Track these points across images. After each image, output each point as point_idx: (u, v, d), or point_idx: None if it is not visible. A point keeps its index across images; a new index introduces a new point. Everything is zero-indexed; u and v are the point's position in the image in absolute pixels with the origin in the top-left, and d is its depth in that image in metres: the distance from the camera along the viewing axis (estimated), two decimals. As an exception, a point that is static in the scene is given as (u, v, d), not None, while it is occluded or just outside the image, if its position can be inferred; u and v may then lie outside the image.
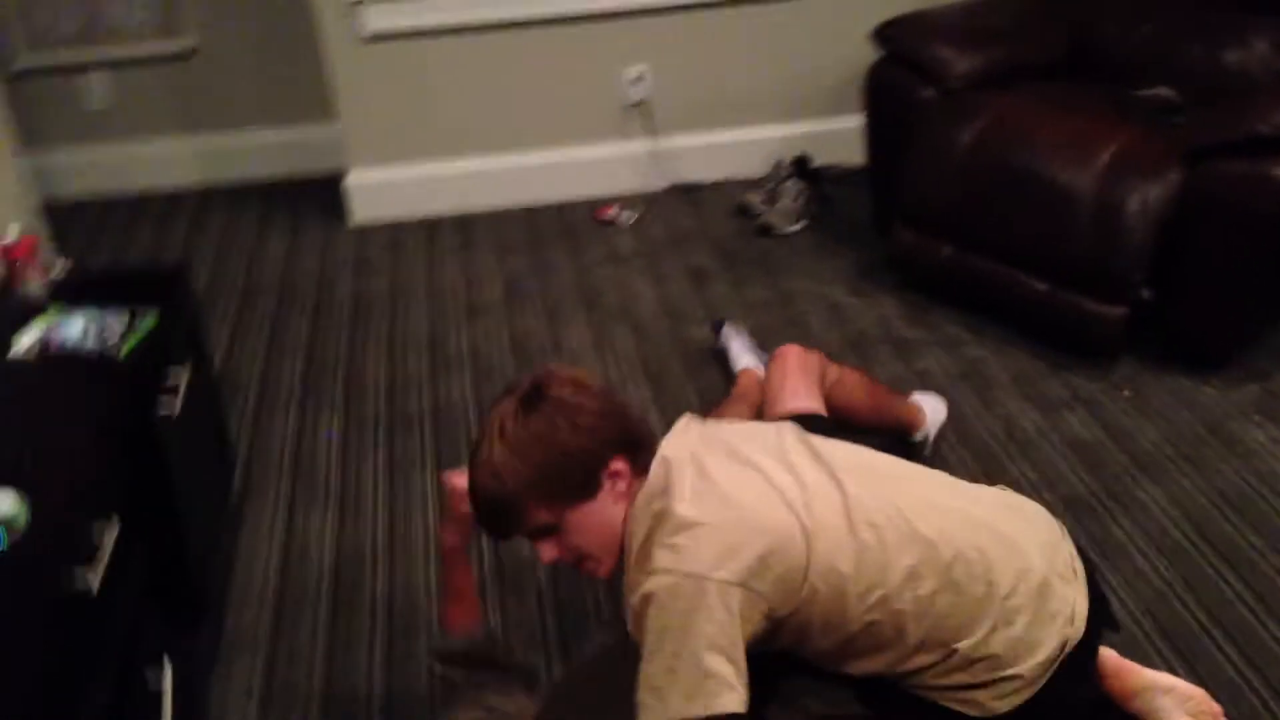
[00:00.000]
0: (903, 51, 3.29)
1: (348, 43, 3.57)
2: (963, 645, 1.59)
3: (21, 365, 2.02)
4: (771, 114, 3.95)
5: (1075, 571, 1.70)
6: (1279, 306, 2.99)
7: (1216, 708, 1.97)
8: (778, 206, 3.69)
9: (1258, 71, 3.05)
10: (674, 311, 3.28)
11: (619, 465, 1.63)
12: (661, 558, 1.52)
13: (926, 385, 2.83)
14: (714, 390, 2.88)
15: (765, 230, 3.67)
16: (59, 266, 2.33)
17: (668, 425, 1.75)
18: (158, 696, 1.78)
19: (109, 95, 3.96)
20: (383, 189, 3.82)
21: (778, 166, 3.79)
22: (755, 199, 3.76)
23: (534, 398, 1.62)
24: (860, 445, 1.78)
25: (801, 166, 3.78)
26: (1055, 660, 1.63)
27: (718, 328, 3.03)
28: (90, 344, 2.05)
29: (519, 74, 3.73)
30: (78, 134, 4.01)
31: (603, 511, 1.63)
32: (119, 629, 1.70)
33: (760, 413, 2.33)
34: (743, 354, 2.88)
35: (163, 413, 2.01)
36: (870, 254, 3.49)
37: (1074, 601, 1.66)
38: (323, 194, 3.91)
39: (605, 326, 3.23)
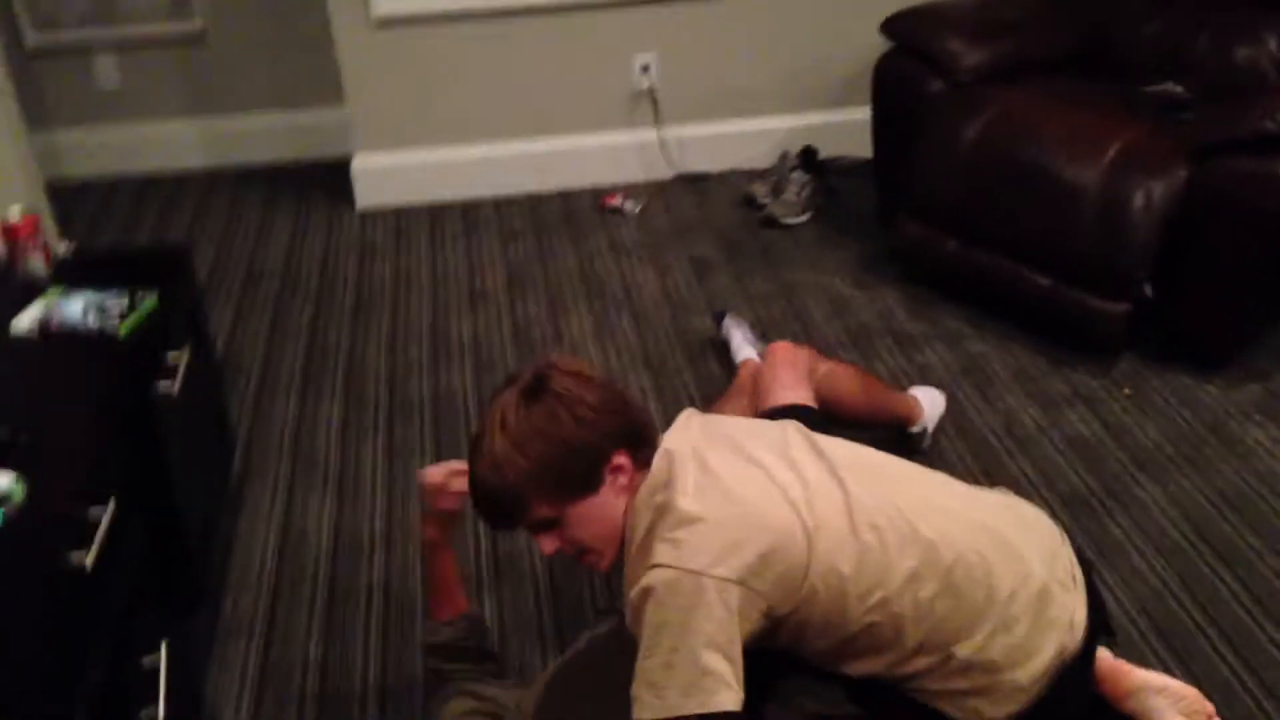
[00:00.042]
0: (912, 44, 3.28)
1: (357, 27, 3.56)
2: (961, 650, 1.58)
3: (21, 343, 2.03)
4: (779, 105, 3.94)
5: (1075, 579, 1.70)
6: (1282, 306, 2.98)
7: (1209, 708, 1.97)
8: (783, 198, 3.68)
9: (1267, 68, 3.04)
10: (676, 301, 3.28)
11: (621, 459, 1.62)
12: (662, 552, 1.51)
13: (927, 380, 2.84)
14: (714, 381, 2.88)
15: (770, 221, 3.66)
16: (62, 247, 2.33)
17: (667, 415, 1.75)
18: (154, 677, 1.79)
19: (117, 76, 3.96)
20: (389, 175, 3.82)
21: (783, 158, 3.78)
22: (760, 190, 3.76)
23: (536, 389, 1.61)
24: (863, 444, 1.77)
25: (807, 158, 3.77)
26: (1053, 668, 1.62)
27: (719, 318, 3.03)
28: (90, 324, 2.05)
29: (527, 61, 3.72)
30: (86, 115, 4.01)
31: (604, 505, 1.62)
32: (115, 609, 1.71)
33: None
34: (744, 345, 2.87)
35: (161, 393, 2.02)
36: (874, 247, 3.48)
37: (1073, 609, 1.66)
38: (329, 179, 3.91)
39: (607, 315, 3.23)
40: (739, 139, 3.95)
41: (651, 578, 1.50)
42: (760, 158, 3.89)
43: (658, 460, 1.63)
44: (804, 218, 3.68)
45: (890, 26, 3.31)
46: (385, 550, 2.43)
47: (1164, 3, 3.26)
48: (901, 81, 3.29)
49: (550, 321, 3.21)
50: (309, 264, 3.54)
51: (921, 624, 1.57)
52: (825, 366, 2.39)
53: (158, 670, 1.79)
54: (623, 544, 1.64)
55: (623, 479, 1.63)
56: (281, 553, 2.44)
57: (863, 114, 3.47)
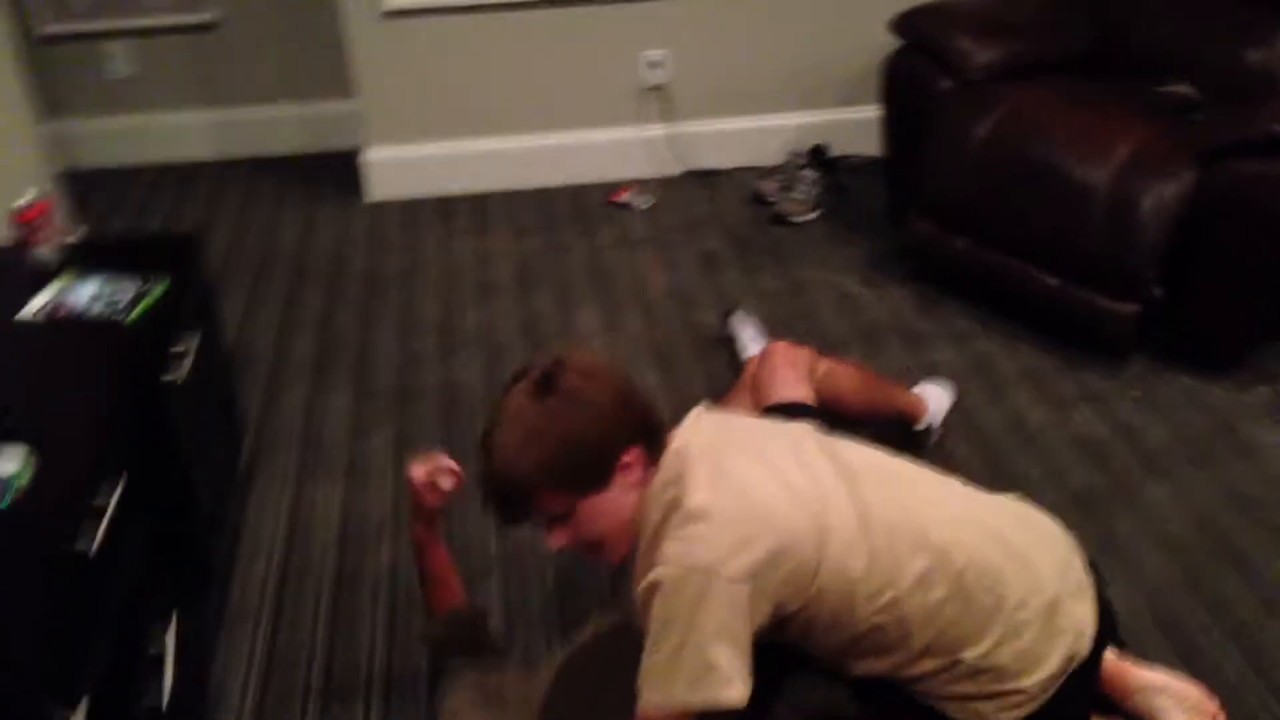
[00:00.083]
0: (922, 41, 3.27)
1: (367, 19, 3.57)
2: (968, 655, 1.58)
3: (31, 327, 2.04)
4: (790, 102, 3.94)
5: (1085, 588, 1.70)
6: (1292, 309, 2.98)
7: (1214, 706, 1.97)
8: (792, 195, 3.68)
9: (1279, 71, 3.03)
10: (684, 297, 3.28)
11: (632, 456, 1.61)
12: (671, 548, 1.51)
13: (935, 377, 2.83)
14: (722, 376, 2.88)
15: (779, 219, 3.66)
16: (74, 233, 2.34)
17: (674, 410, 1.74)
18: (160, 658, 1.80)
19: (131, 65, 3.97)
20: (399, 167, 3.83)
21: (794, 155, 3.79)
22: (770, 187, 3.76)
23: (549, 383, 1.61)
24: (876, 447, 1.76)
25: (818, 155, 3.77)
26: (1060, 676, 1.62)
27: (727, 314, 3.03)
28: (100, 309, 2.06)
29: (538, 54, 3.73)
30: (99, 103, 4.02)
31: (614, 501, 1.61)
32: (121, 589, 1.72)
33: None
34: (751, 341, 2.88)
35: (169, 378, 2.02)
36: (884, 245, 3.48)
37: (1082, 619, 1.66)
38: (340, 170, 3.92)
39: (616, 310, 3.23)
40: (749, 136, 3.96)
41: (660, 573, 1.50)
42: (770, 155, 3.89)
43: (668, 457, 1.62)
44: (813, 215, 3.68)
45: (900, 24, 3.31)
46: (393, 539, 2.44)
47: (1176, 3, 3.26)
48: (911, 80, 3.29)
49: (559, 315, 3.21)
50: (320, 255, 3.55)
51: (929, 627, 1.57)
52: (825, 365, 2.38)
53: (164, 653, 1.81)
54: (632, 539, 1.63)
55: (633, 475, 1.62)
56: (290, 539, 2.45)
57: (873, 112, 3.47)
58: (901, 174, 3.40)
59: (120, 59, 3.96)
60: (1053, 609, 1.61)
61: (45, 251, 2.22)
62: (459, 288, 3.36)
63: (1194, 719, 1.95)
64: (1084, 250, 2.85)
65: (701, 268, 3.43)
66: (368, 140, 3.80)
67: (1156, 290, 2.80)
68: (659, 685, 1.50)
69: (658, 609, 1.50)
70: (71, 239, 2.33)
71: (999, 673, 1.59)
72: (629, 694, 1.53)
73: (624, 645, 1.62)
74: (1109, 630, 1.74)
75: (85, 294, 2.09)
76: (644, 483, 1.62)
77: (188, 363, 2.11)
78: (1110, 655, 1.93)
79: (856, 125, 3.78)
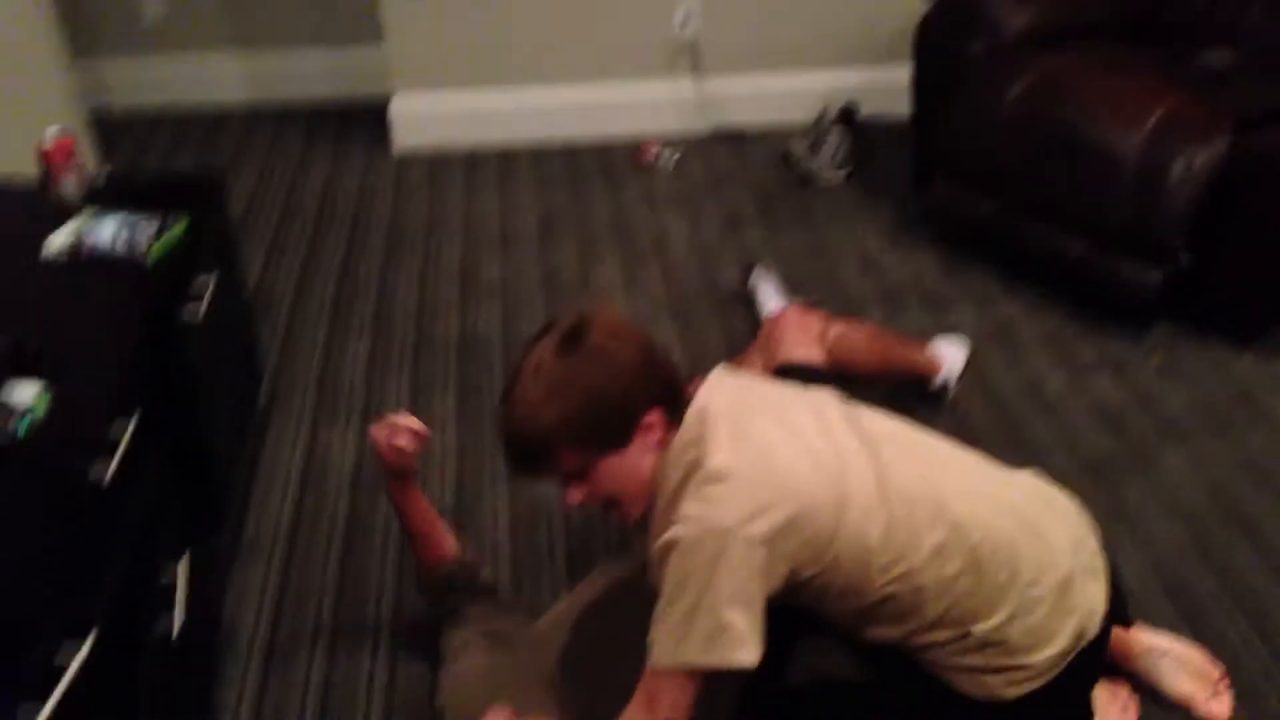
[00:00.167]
0: (957, 3, 3.23)
1: (398, -38, 3.57)
2: (978, 628, 1.58)
3: (50, 265, 2.06)
4: (821, 60, 3.90)
5: (1098, 567, 1.69)
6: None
7: (1217, 671, 1.97)
8: (820, 155, 3.65)
9: (1319, 38, 2.97)
10: (706, 254, 3.27)
11: (654, 417, 1.61)
12: (690, 508, 1.51)
13: (954, 340, 2.82)
14: (740, 333, 2.88)
15: (806, 179, 3.64)
16: (96, 172, 2.36)
17: (692, 367, 1.74)
18: (171, 589, 1.83)
19: (163, 8, 3.98)
20: (426, 117, 3.83)
21: (823, 115, 3.75)
22: (798, 146, 3.73)
23: (574, 339, 1.60)
24: (898, 418, 1.75)
25: (847, 116, 3.74)
26: (1068, 654, 1.62)
27: (748, 271, 3.02)
28: (119, 248, 2.08)
29: (569, 4, 3.70)
30: (131, 46, 4.04)
31: (634, 461, 1.61)
32: (134, 521, 1.74)
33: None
34: (770, 298, 2.87)
35: (185, 318, 2.04)
36: (909, 207, 3.45)
37: (1094, 598, 1.65)
38: (368, 119, 3.92)
39: (637, 265, 3.23)
40: (778, 94, 3.92)
41: (678, 532, 1.49)
42: (800, 114, 3.86)
43: (690, 417, 1.61)
44: (840, 176, 3.66)
45: (935, -16, 3.27)
46: (405, 483, 2.46)
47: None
48: (944, 42, 3.25)
49: (580, 268, 3.21)
50: (344, 202, 3.56)
51: (942, 599, 1.57)
52: (837, 329, 2.37)
53: (175, 584, 1.84)
54: (649, 498, 1.63)
55: (654, 437, 1.61)
56: (304, 481, 2.48)
57: (904, 73, 3.43)
58: (929, 136, 3.37)
59: (153, 2, 3.97)
60: (1065, 586, 1.61)
61: (68, 188, 2.24)
62: (481, 239, 3.36)
63: (1197, 684, 1.96)
64: (1112, 215, 2.82)
65: (725, 225, 3.42)
66: (396, 88, 3.80)
67: (1184, 257, 2.77)
68: (671, 644, 1.50)
69: (673, 568, 1.50)
70: (94, 177, 2.34)
71: (1008, 647, 1.59)
72: (640, 652, 1.54)
73: (636, 602, 1.63)
74: (1119, 610, 1.73)
75: (106, 231, 2.11)
76: (664, 444, 1.61)
77: (205, 302, 2.12)
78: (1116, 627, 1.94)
79: (888, 86, 3.73)
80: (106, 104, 3.97)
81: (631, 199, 3.57)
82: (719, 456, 1.52)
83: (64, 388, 1.73)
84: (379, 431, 1.89)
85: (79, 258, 2.07)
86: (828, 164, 3.64)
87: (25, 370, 1.74)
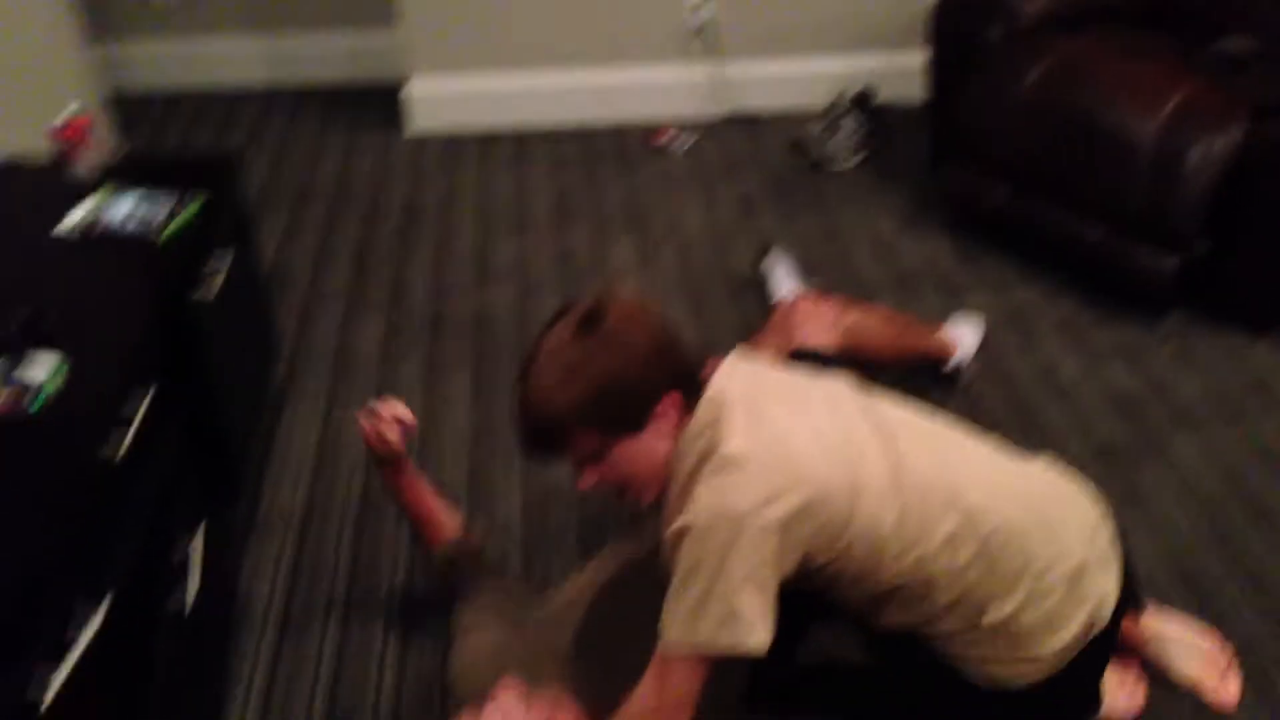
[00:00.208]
0: (974, -13, 3.22)
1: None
2: (989, 617, 1.58)
3: (65, 242, 2.08)
4: (837, 44, 3.89)
5: (1111, 557, 1.69)
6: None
7: (1226, 658, 1.97)
8: (835, 140, 3.64)
9: (1341, 25, 2.95)
10: (720, 238, 3.27)
11: (670, 402, 1.60)
12: (704, 493, 1.51)
13: (968, 325, 2.81)
14: (753, 317, 2.88)
15: (821, 163, 3.63)
16: (114, 150, 2.37)
17: (705, 349, 1.73)
18: (185, 564, 1.85)
19: (179, -9, 4.00)
20: (441, 100, 3.83)
21: (838, 99, 3.74)
22: (813, 131, 3.71)
23: (592, 321, 1.59)
24: (913, 406, 1.75)
25: (863, 101, 3.73)
26: (1078, 644, 1.62)
27: (762, 253, 3.02)
28: (134, 226, 2.09)
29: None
30: (149, 27, 4.05)
31: (648, 446, 1.61)
32: (147, 496, 1.76)
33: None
34: (784, 280, 2.87)
35: (199, 296, 2.06)
36: (925, 192, 3.44)
37: (1106, 588, 1.65)
38: (383, 102, 3.93)
39: (651, 248, 3.23)
40: (793, 79, 3.91)
41: (691, 517, 1.50)
42: (815, 99, 3.85)
43: (704, 402, 1.60)
44: (856, 161, 3.65)
45: (953, -32, 3.26)
46: (419, 463, 2.45)
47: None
48: (960, 26, 3.23)
49: (594, 251, 3.22)
50: (360, 184, 3.57)
51: (954, 586, 1.57)
52: (851, 317, 2.37)
53: (189, 559, 1.85)
54: (663, 483, 1.63)
55: (669, 422, 1.61)
56: (319, 457, 2.50)
57: (920, 57, 3.42)
58: (945, 121, 3.35)
59: (168, -17, 3.98)
60: (1078, 576, 1.61)
61: (83, 167, 2.25)
62: (495, 220, 3.37)
63: (1206, 669, 1.96)
64: (1128, 202, 2.81)
65: (739, 209, 3.42)
66: (411, 71, 3.81)
67: (1200, 245, 2.76)
68: (683, 628, 1.51)
69: (686, 553, 1.50)
70: (110, 156, 2.35)
71: (1018, 635, 1.59)
72: (651, 632, 1.55)
73: (647, 583, 1.64)
74: (1131, 600, 1.73)
75: (121, 210, 2.12)
76: (679, 429, 1.61)
77: (219, 281, 2.14)
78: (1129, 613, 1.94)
79: (904, 71, 3.72)
80: (126, 84, 3.99)
81: (645, 182, 3.57)
82: (734, 442, 1.52)
83: (78, 363, 1.74)
84: (365, 423, 1.90)
85: (93, 236, 2.09)
86: (843, 149, 3.63)
87: (43, 342, 1.76)
